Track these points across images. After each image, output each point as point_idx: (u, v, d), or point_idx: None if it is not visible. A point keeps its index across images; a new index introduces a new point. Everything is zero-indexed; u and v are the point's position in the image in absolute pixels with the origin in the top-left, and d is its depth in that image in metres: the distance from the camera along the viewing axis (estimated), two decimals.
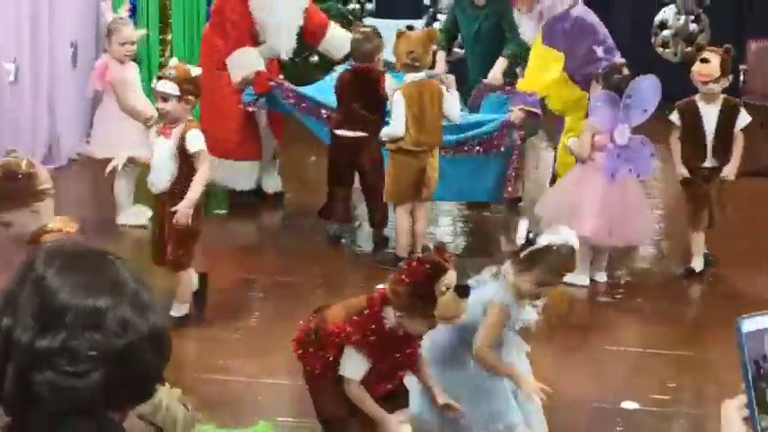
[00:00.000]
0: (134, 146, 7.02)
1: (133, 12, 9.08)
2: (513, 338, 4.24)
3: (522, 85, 7.02)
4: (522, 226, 4.13)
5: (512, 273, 4.10)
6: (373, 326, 3.91)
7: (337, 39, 7.75)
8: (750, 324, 1.55)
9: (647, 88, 6.34)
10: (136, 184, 7.36)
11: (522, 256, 4.06)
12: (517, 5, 7.07)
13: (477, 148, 7.03)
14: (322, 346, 4.05)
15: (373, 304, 3.97)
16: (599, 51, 6.82)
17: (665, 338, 5.83)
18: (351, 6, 10.73)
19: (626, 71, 6.45)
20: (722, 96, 6.51)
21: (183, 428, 2.92)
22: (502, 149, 7.05)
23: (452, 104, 6.66)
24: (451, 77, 6.88)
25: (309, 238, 7.26)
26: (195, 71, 5.56)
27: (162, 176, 5.50)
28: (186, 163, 5.45)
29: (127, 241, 7.11)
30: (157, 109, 5.54)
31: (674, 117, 6.55)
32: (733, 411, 1.61)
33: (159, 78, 5.52)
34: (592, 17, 7.12)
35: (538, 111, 7.02)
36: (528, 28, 7.18)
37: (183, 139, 5.42)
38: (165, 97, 5.40)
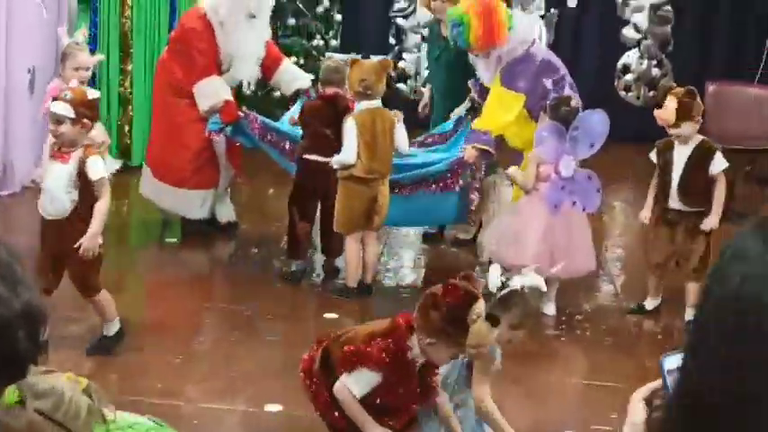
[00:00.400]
0: None
1: (94, 41, 9.06)
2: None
3: (478, 123, 7.00)
4: (494, 271, 4.10)
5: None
6: (396, 351, 3.87)
7: (289, 73, 7.76)
8: (672, 361, 1.52)
9: (596, 123, 6.31)
10: None
11: (495, 299, 4.02)
12: (473, 52, 7.03)
13: (433, 186, 6.99)
14: (332, 371, 4.01)
15: (398, 329, 3.92)
16: (548, 83, 6.82)
17: (609, 371, 5.79)
18: (315, 42, 10.74)
19: (573, 104, 6.44)
20: (699, 138, 6.37)
21: (87, 421, 2.82)
22: (457, 189, 7.03)
23: (402, 135, 6.67)
24: (400, 113, 6.82)
25: (261, 268, 7.21)
26: (92, 95, 5.44)
27: (60, 203, 5.32)
28: (87, 189, 5.29)
29: None
30: (51, 132, 5.36)
31: (653, 155, 6.49)
32: (636, 401, 1.60)
33: (54, 100, 5.37)
34: (553, 57, 7.13)
35: (491, 149, 6.97)
36: (485, 71, 7.13)
37: (83, 164, 5.25)
38: (59, 119, 5.23)
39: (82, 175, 5.25)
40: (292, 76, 7.74)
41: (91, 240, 5.30)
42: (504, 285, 4.03)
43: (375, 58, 7.30)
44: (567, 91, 6.75)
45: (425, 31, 11.67)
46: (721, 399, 1.31)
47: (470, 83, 7.42)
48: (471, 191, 7.19)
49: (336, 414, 4.03)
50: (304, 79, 7.73)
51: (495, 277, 4.03)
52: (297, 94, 7.69)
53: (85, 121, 5.26)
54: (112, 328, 5.68)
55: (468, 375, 4.19)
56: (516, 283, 4.04)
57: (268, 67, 7.67)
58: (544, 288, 4.19)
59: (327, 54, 8.23)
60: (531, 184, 6.37)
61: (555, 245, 6.32)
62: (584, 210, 6.44)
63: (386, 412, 3.99)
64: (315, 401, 4.16)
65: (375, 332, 3.98)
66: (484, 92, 7.17)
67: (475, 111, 7.31)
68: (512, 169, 6.53)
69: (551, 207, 6.30)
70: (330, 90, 6.79)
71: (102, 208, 5.31)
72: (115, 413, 3.04)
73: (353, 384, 3.91)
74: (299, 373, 4.22)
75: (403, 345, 3.87)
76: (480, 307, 3.81)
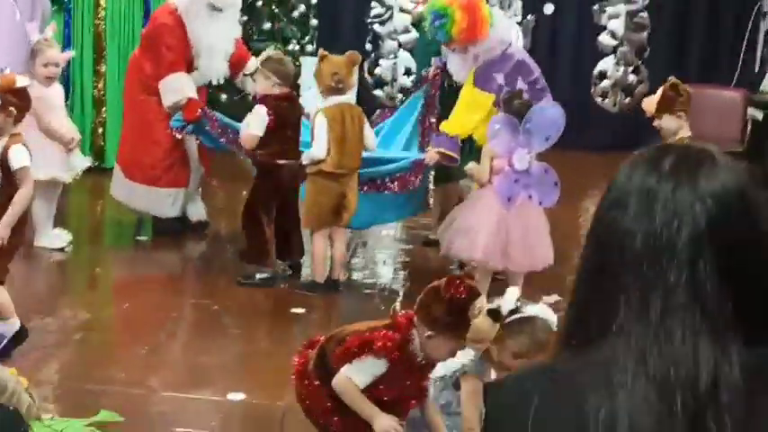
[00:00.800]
0: (54, 168, 6.99)
1: (68, 42, 9.05)
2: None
3: (446, 126, 6.86)
4: (512, 293, 4.07)
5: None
6: (400, 342, 3.83)
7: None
8: None
9: (550, 116, 6.20)
10: (56, 207, 7.30)
11: (506, 322, 3.95)
12: (451, 47, 6.94)
13: (390, 185, 6.94)
14: (328, 372, 3.95)
15: (399, 324, 3.88)
16: (499, 78, 6.68)
17: None
18: (291, 47, 10.72)
19: (526, 97, 6.32)
20: (684, 136, 6.18)
21: (27, 416, 2.89)
22: (414, 187, 6.95)
23: (371, 133, 6.68)
24: None
25: (232, 266, 7.15)
26: (22, 82, 5.29)
27: None
28: (9, 180, 5.12)
29: (42, 264, 6.98)
30: None
31: None
32: None
33: None
34: (528, 58, 7.06)
35: (456, 156, 6.91)
36: (459, 67, 7.04)
37: (5, 153, 5.10)
38: None
39: (4, 164, 5.10)
40: None
41: (2, 229, 5.10)
42: (516, 310, 4.00)
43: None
44: (521, 85, 6.65)
45: (406, 38, 11.74)
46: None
47: (434, 59, 7.34)
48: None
49: (336, 419, 3.97)
50: None
51: (510, 301, 3.99)
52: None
53: (11, 109, 5.11)
54: (10, 328, 5.33)
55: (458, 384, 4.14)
56: (530, 311, 4.00)
57: (234, 65, 7.63)
58: (555, 327, 4.08)
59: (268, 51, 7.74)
60: (486, 178, 6.32)
61: (507, 240, 6.23)
62: (540, 204, 6.30)
63: (384, 408, 3.92)
64: (310, 406, 4.08)
65: (375, 327, 3.94)
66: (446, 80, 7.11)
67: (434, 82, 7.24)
68: (470, 165, 6.50)
69: (504, 200, 6.20)
70: (284, 89, 6.71)
71: (21, 197, 5.13)
72: (52, 416, 3.13)
73: (357, 373, 3.85)
74: (292, 378, 4.14)
75: (406, 336, 3.84)
76: (482, 303, 3.80)
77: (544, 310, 4.04)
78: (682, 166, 1.46)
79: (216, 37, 7.39)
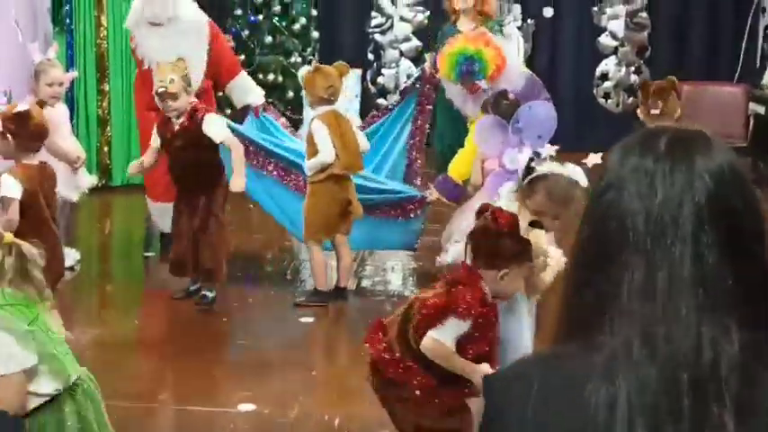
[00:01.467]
0: (61, 187, 7.03)
1: (71, 62, 9.12)
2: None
3: (454, 170, 6.76)
4: (524, 157, 4.13)
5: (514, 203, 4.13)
6: (478, 296, 3.81)
7: (242, 86, 7.60)
8: None
9: (540, 114, 6.09)
10: (64, 226, 7.35)
11: (522, 183, 4.07)
12: (484, 84, 6.67)
13: (392, 212, 7.02)
14: (413, 349, 3.90)
15: (465, 279, 3.85)
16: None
17: None
18: (293, 59, 10.79)
19: (512, 97, 6.28)
20: None
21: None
22: (413, 216, 7.03)
23: (361, 134, 6.77)
24: None
25: (239, 278, 7.20)
26: (22, 109, 5.22)
27: None
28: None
29: None
30: None
31: None
32: None
33: None
34: (538, 82, 6.93)
35: (457, 204, 6.85)
36: (476, 103, 6.69)
37: None
38: None
39: None
40: (245, 90, 7.57)
41: None
42: (530, 170, 4.05)
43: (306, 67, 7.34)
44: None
45: (407, 46, 11.78)
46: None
47: (427, 55, 7.30)
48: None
49: (430, 401, 3.90)
50: (257, 95, 7.55)
51: (523, 161, 4.08)
52: (246, 109, 7.47)
53: (9, 136, 5.05)
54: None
55: None
56: (544, 168, 4.05)
57: (222, 75, 7.54)
58: (584, 182, 4.14)
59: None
60: (479, 181, 6.36)
61: None
62: None
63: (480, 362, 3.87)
64: (387, 378, 3.99)
65: (441, 290, 3.90)
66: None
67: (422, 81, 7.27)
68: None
69: (493, 199, 6.21)
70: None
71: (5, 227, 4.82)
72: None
73: (443, 334, 3.80)
74: (373, 367, 4.04)
75: (481, 288, 3.82)
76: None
77: (560, 168, 4.11)
78: (677, 146, 1.48)
79: (154, 51, 7.17)
